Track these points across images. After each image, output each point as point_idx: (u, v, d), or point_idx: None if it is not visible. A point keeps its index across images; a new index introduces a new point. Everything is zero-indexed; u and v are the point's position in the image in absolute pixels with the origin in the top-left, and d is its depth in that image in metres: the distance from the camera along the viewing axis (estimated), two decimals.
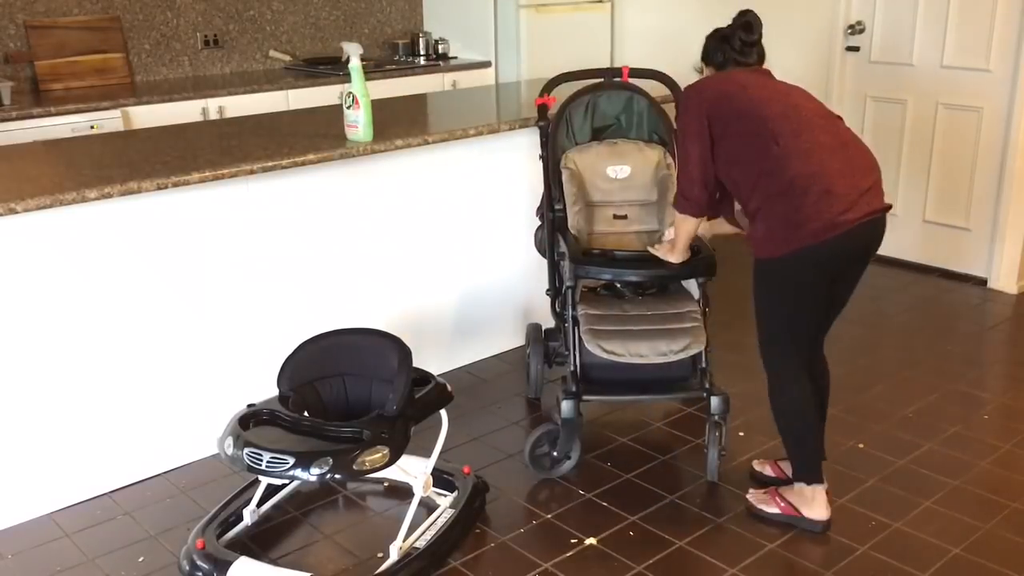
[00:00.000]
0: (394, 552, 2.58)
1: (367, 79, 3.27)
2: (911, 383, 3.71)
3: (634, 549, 2.71)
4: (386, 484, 3.02)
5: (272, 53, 5.31)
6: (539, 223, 3.46)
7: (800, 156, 2.52)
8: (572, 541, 2.76)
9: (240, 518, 2.79)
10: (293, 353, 2.72)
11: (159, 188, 2.81)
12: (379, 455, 2.43)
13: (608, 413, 3.48)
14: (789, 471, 2.86)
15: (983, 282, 4.76)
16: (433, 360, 3.62)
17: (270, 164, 3.02)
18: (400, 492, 2.96)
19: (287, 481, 2.83)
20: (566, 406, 2.94)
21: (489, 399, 3.62)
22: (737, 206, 2.79)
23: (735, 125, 2.62)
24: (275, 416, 2.57)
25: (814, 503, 2.76)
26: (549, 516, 2.88)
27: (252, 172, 2.99)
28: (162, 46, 4.94)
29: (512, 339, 4.02)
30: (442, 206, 3.67)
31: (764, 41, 2.78)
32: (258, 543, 2.75)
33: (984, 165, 4.67)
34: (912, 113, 4.92)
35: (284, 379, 2.68)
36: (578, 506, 2.93)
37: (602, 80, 3.36)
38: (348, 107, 3.26)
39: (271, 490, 2.90)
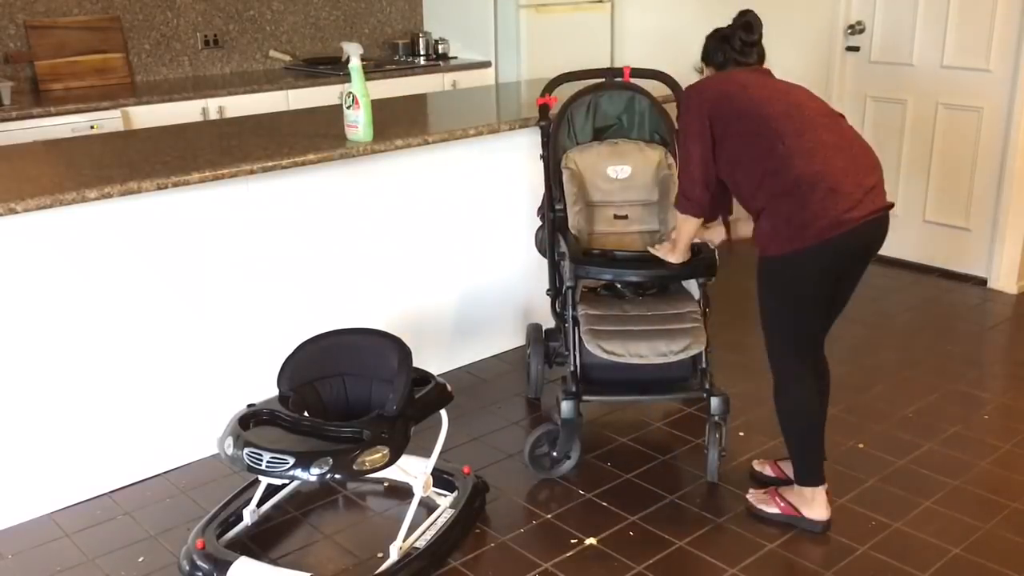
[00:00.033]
0: (394, 552, 2.58)
1: (367, 79, 3.27)
2: (911, 383, 3.71)
3: (634, 549, 2.71)
4: (386, 484, 3.02)
5: (272, 53, 5.31)
6: (540, 223, 3.46)
7: (804, 155, 2.52)
8: (572, 541, 2.76)
9: (240, 518, 2.79)
10: (293, 353, 2.72)
11: (159, 188, 2.81)
12: (379, 455, 2.43)
13: (608, 413, 3.48)
14: (789, 471, 2.86)
15: (983, 282, 4.76)
16: (433, 360, 3.62)
17: (270, 164, 3.02)
18: (400, 492, 2.96)
19: (287, 481, 2.83)
20: (566, 406, 2.94)
21: (489, 399, 3.62)
22: (736, 214, 2.78)
23: (736, 125, 2.62)
24: (275, 416, 2.57)
25: (814, 503, 2.76)
26: (549, 516, 2.88)
27: (252, 172, 2.99)
28: (162, 46, 4.94)
29: (512, 339, 4.02)
30: (442, 206, 3.67)
31: (764, 41, 2.78)
32: (258, 543, 2.75)
33: (984, 165, 4.67)
34: (912, 113, 4.91)
35: (284, 379, 2.68)
36: (578, 506, 2.92)
37: (604, 80, 3.36)
38: (348, 107, 3.26)
39: (271, 490, 2.90)
